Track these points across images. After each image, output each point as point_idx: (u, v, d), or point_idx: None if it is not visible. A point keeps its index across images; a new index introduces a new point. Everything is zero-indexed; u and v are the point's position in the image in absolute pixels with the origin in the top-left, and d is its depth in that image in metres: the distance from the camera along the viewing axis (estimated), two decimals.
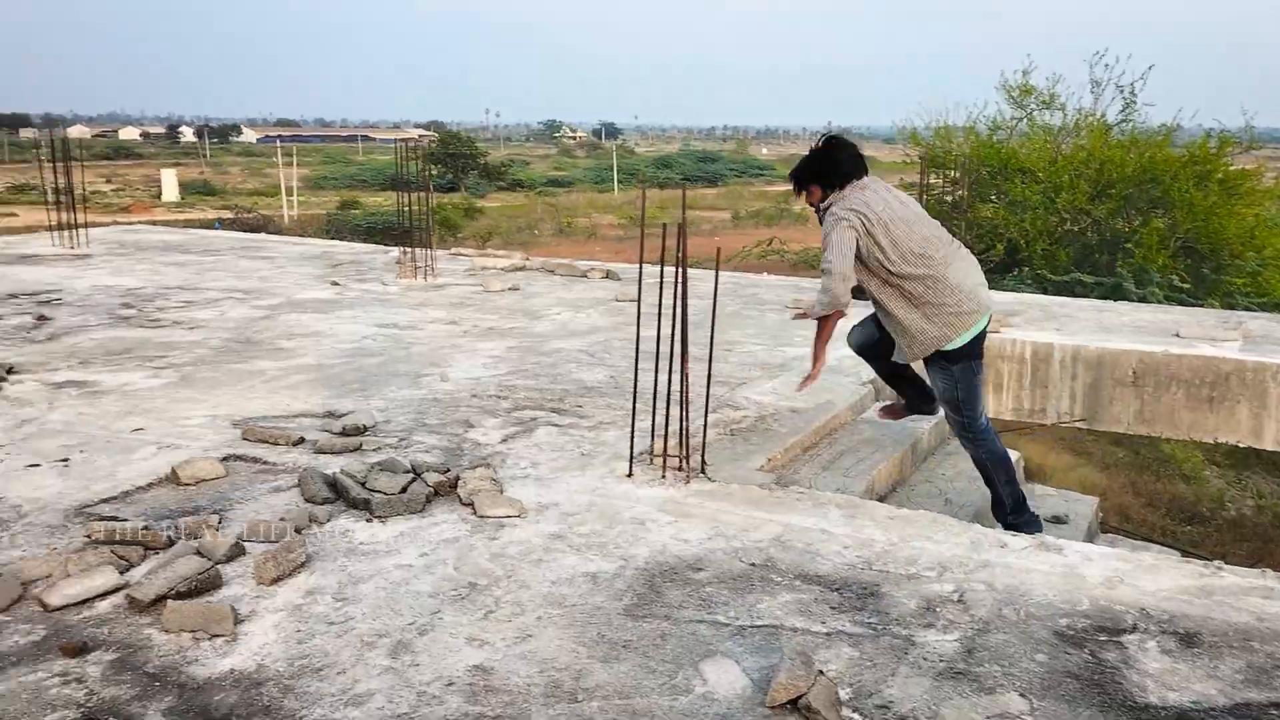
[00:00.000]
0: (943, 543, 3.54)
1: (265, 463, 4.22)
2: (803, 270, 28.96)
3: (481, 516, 3.66)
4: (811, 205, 4.42)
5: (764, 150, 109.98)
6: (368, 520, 3.62)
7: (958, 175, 11.07)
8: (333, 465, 4.11)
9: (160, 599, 2.94)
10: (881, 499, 4.46)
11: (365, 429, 4.62)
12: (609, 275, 9.51)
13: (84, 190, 11.11)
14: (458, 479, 3.91)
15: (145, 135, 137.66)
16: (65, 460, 4.19)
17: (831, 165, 4.31)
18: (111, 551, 3.23)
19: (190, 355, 6.07)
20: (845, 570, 3.31)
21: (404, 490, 3.80)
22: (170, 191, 64.79)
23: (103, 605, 2.97)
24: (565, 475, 4.12)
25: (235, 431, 4.62)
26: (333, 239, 28.48)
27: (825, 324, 4.37)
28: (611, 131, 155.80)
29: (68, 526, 3.54)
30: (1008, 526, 4.22)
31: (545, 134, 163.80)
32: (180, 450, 4.33)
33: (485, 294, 8.46)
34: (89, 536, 3.36)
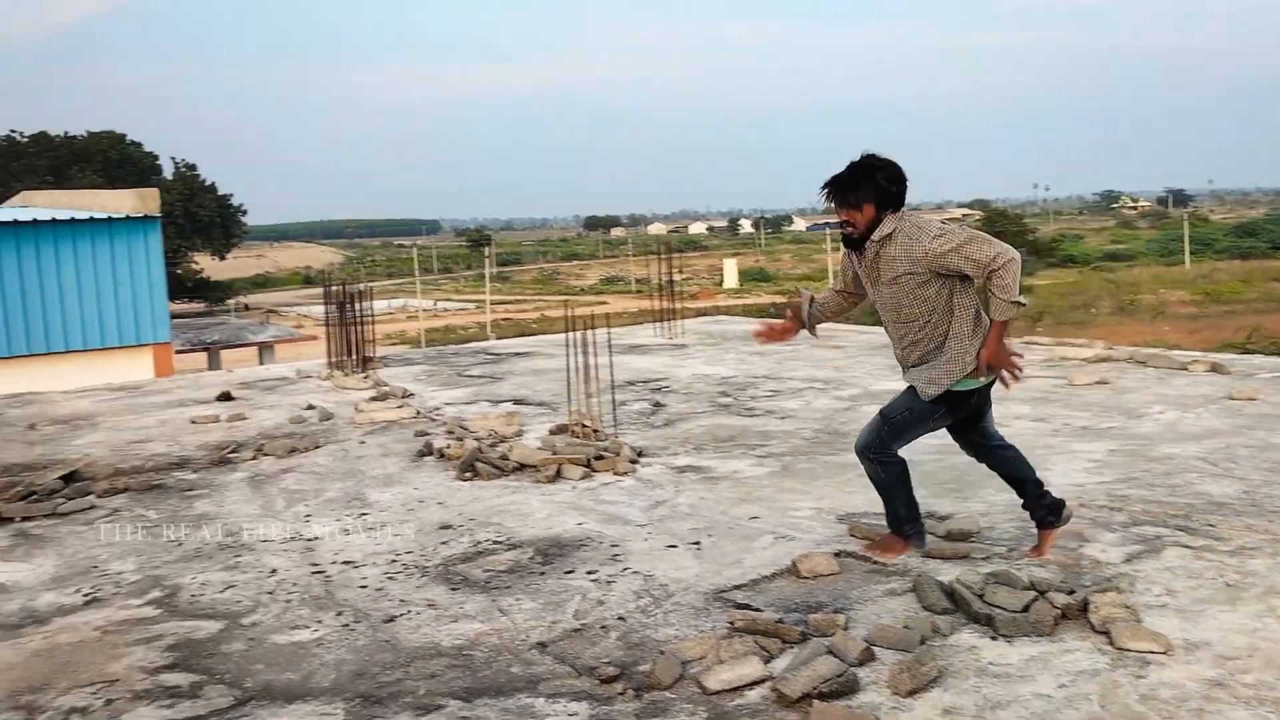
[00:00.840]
0: None
1: (875, 562, 4.28)
2: None
3: (1120, 649, 3.34)
4: (850, 227, 3.95)
5: None
6: (992, 638, 3.48)
7: None
8: (943, 571, 4.05)
9: (805, 697, 3.06)
10: None
11: (971, 535, 4.51)
12: (1215, 368, 8.45)
13: (666, 280, 12.46)
14: (1086, 602, 3.63)
15: (710, 229, 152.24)
16: (697, 544, 4.61)
17: (903, 187, 3.91)
18: (754, 641, 3.44)
19: (787, 445, 6.44)
20: None
21: (1026, 609, 3.60)
22: (731, 279, 70.91)
23: (752, 694, 3.16)
24: (1211, 609, 3.64)
25: (840, 526, 4.76)
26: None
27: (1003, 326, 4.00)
28: (1180, 198, 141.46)
29: (709, 610, 3.86)
30: (904, 536, 4.25)
31: (1100, 205, 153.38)
32: (794, 542, 4.55)
33: (1069, 388, 7.96)
34: (731, 623, 3.63)
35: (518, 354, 11.66)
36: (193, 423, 8.01)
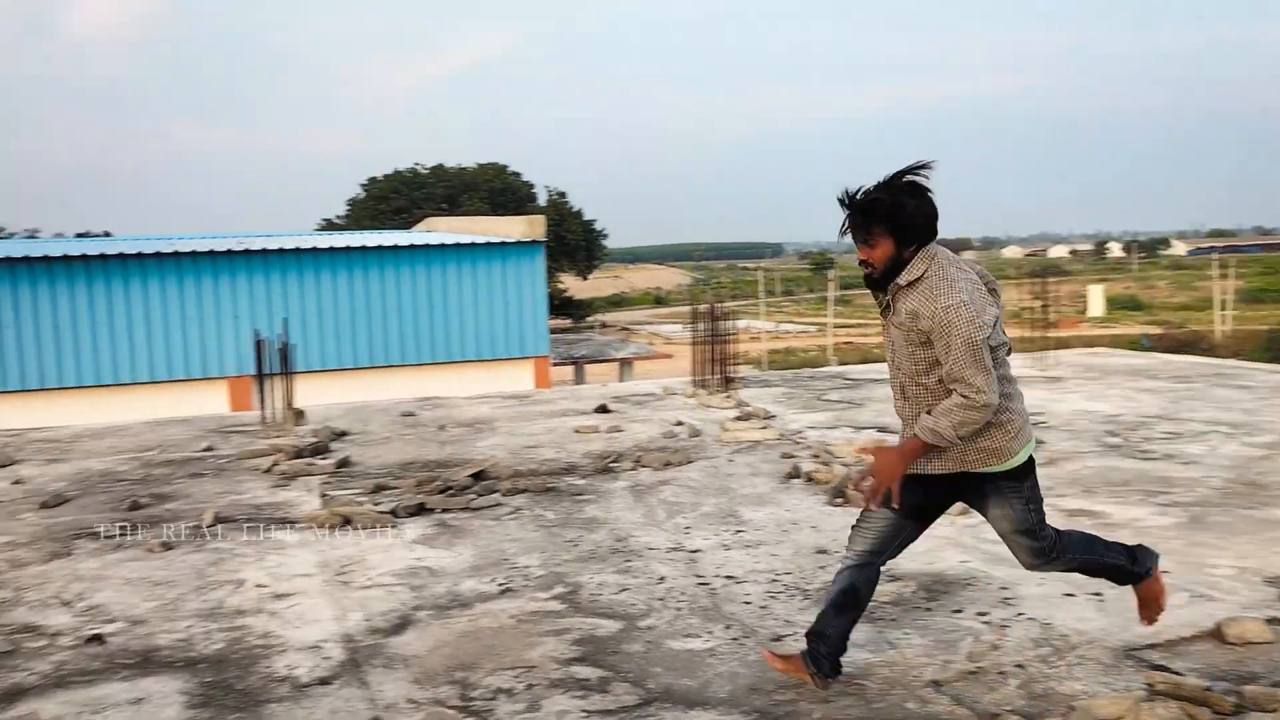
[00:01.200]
0: None
1: None
2: None
3: None
4: (869, 266, 3.24)
5: None
6: None
7: None
8: None
9: None
10: None
11: None
12: None
13: (1041, 308, 11.74)
14: None
15: (1073, 252, 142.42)
16: (1098, 594, 4.29)
17: (933, 219, 3.19)
18: (1179, 707, 3.16)
19: (1193, 494, 5.85)
20: None
21: None
22: (1096, 306, 65.82)
23: None
24: None
25: (1269, 590, 4.26)
26: (1275, 360, 25.69)
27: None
28: None
29: (1119, 667, 3.59)
30: (1139, 581, 3.58)
31: None
32: (1214, 603, 4.13)
33: None
34: (1150, 686, 3.35)
35: (874, 380, 11.49)
36: (576, 432, 8.62)
